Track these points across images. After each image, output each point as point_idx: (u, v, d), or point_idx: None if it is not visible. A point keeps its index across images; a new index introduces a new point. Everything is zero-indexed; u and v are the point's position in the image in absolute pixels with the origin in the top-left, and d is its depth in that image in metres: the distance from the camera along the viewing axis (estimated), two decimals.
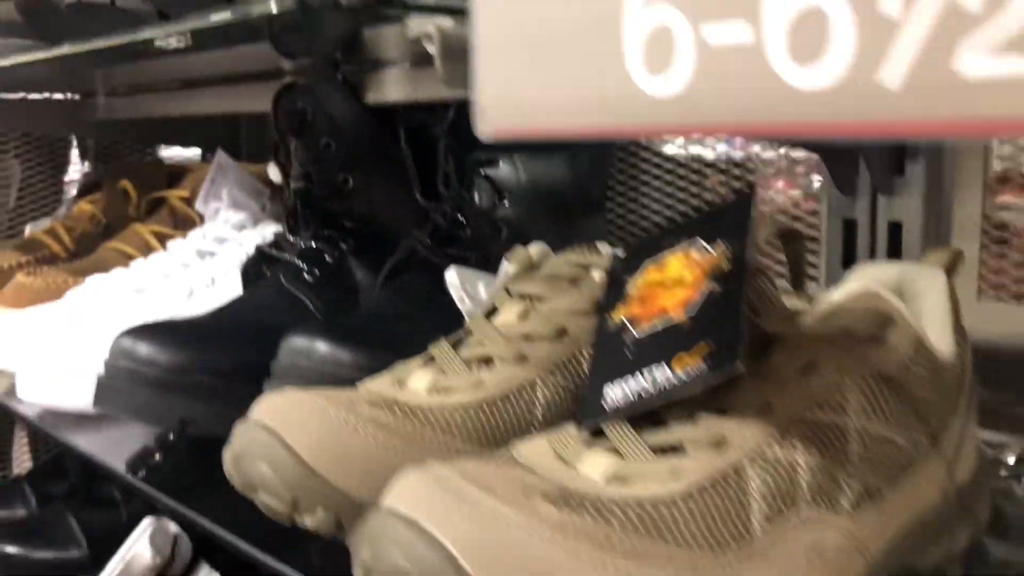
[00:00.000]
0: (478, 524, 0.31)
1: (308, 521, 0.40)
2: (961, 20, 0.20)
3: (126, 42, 0.68)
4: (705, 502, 0.35)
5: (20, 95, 1.12)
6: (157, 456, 0.63)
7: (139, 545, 0.81)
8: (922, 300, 0.49)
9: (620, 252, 0.50)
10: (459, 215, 0.69)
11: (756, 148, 0.86)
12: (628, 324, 0.44)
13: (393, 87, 0.72)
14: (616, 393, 0.41)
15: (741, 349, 0.37)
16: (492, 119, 0.31)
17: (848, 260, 0.69)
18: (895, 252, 0.66)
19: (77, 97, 1.13)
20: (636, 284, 0.46)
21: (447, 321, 0.55)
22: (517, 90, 0.30)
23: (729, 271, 0.41)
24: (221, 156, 0.93)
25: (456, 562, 0.30)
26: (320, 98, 0.75)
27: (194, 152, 1.29)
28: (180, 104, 0.99)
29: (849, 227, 0.69)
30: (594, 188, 0.79)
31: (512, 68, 0.30)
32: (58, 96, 1.14)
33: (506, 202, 0.73)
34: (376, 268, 0.70)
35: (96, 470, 1.05)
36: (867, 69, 0.21)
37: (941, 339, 0.47)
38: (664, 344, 0.41)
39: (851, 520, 0.38)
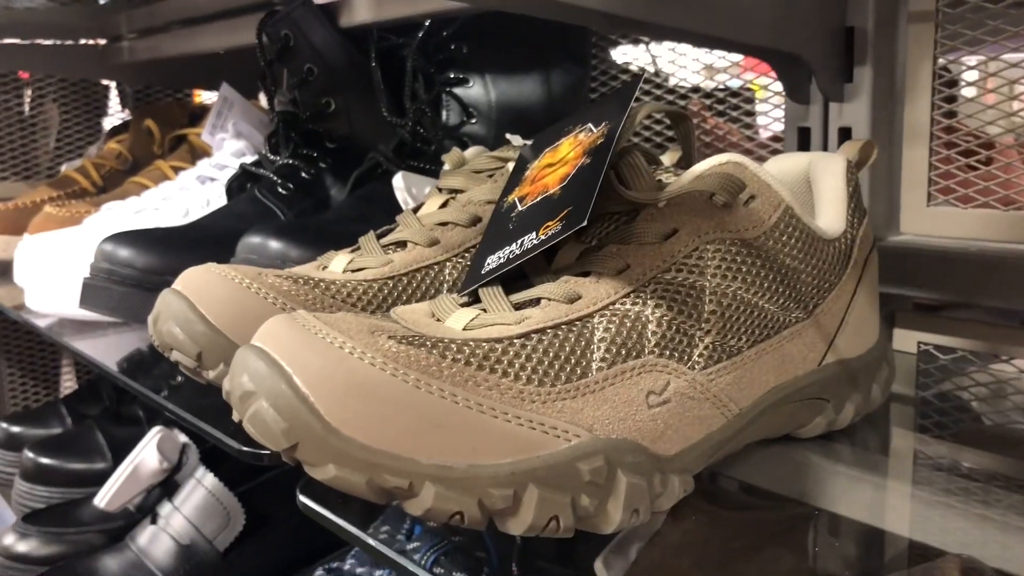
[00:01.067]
0: (317, 353, 0.35)
1: (211, 375, 0.45)
2: None
3: None
4: (542, 343, 0.38)
5: (52, 41, 1.18)
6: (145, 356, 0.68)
7: (147, 451, 0.88)
8: (822, 183, 0.51)
9: (529, 142, 0.53)
10: (421, 130, 0.72)
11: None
12: (517, 202, 0.47)
13: (362, 9, 0.75)
14: (492, 260, 0.44)
15: (590, 208, 0.39)
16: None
17: None
18: None
19: (104, 42, 1.20)
20: (532, 168, 0.48)
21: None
22: None
23: (601, 145, 0.43)
24: (226, 89, 0.98)
25: (292, 382, 0.34)
26: (300, 25, 0.79)
27: None
28: (193, 42, 1.04)
29: (804, 134, 0.70)
30: (568, 108, 0.81)
31: None
32: (87, 41, 1.20)
33: (474, 120, 0.76)
34: (347, 182, 0.74)
35: (125, 392, 1.12)
36: None
37: (834, 219, 0.49)
38: (538, 214, 0.44)
39: (701, 372, 0.41)
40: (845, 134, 0.68)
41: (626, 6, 0.54)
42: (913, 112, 0.67)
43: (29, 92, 1.33)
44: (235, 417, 0.36)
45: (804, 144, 0.70)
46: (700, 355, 0.41)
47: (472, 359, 0.36)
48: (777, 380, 0.45)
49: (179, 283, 0.46)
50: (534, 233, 0.43)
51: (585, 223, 0.39)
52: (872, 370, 0.51)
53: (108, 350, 0.77)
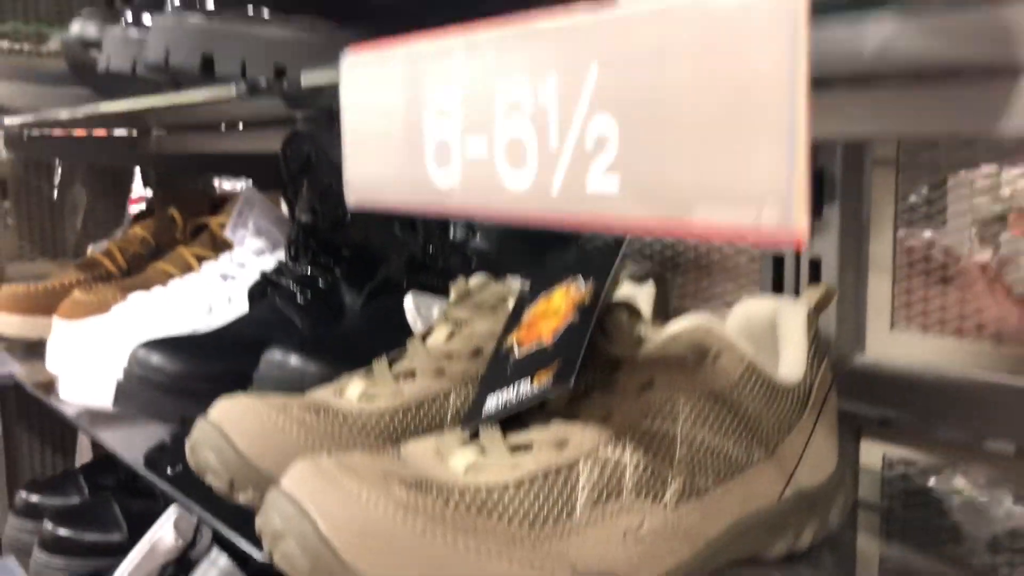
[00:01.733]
0: (338, 500, 0.41)
1: (241, 498, 0.51)
2: (584, 155, 0.29)
3: (169, 103, 0.79)
4: (534, 488, 0.44)
5: (85, 131, 1.26)
6: (168, 450, 0.74)
7: (164, 530, 0.93)
8: (785, 329, 0.57)
9: (526, 284, 0.59)
10: (430, 246, 0.79)
11: None
12: (515, 346, 0.53)
13: None
14: (492, 402, 0.50)
15: (576, 370, 0.46)
16: (353, 192, 0.41)
17: (777, 291, 0.77)
18: (815, 282, 0.74)
19: (135, 133, 1.27)
20: (529, 312, 0.55)
21: (406, 341, 0.65)
22: (366, 174, 0.40)
23: (588, 305, 0.50)
24: (248, 190, 1.05)
25: (317, 526, 0.40)
26: (322, 144, 0.86)
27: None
28: (217, 143, 1.11)
29: (778, 263, 0.77)
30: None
31: (363, 160, 0.40)
32: (119, 132, 1.28)
33: (479, 236, 0.83)
34: (362, 290, 0.81)
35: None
36: (544, 180, 0.30)
37: (795, 364, 0.55)
38: (533, 363, 0.50)
39: (673, 511, 0.47)
40: (815, 264, 0.74)
41: None
42: (877, 244, 0.74)
43: (59, 174, 1.41)
44: (265, 551, 0.42)
45: (779, 272, 0.76)
46: (672, 495, 0.47)
47: (472, 505, 0.42)
48: (741, 513, 0.51)
49: (214, 413, 0.53)
50: (529, 380, 0.49)
51: (571, 385, 0.45)
52: (830, 496, 0.57)
53: (133, 439, 0.83)
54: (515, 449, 0.47)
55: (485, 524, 0.42)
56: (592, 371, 0.50)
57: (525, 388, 0.48)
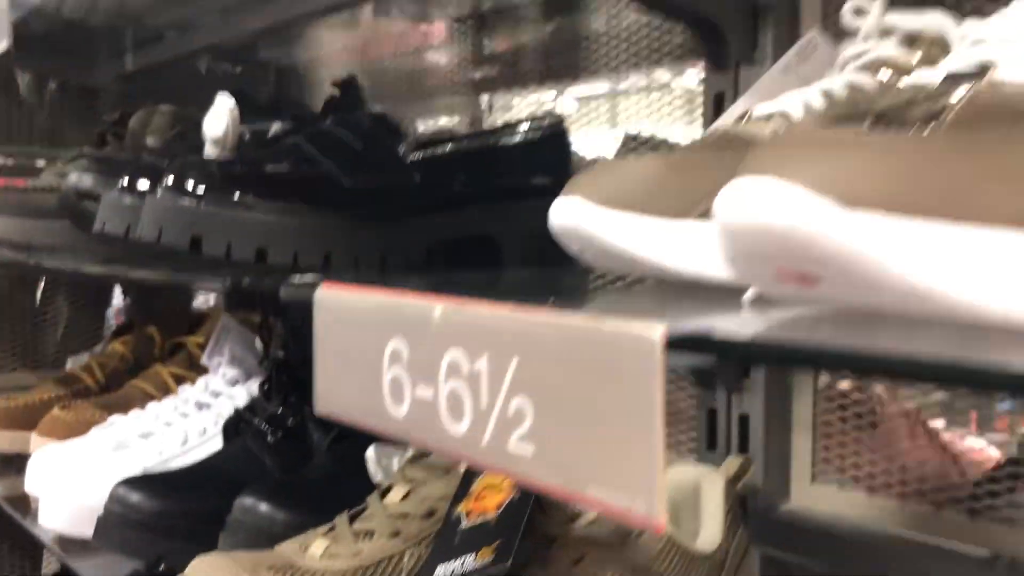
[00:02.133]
0: None
1: None
2: (507, 421, 0.36)
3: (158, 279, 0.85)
4: None
5: None
6: None
7: None
8: (705, 498, 0.64)
9: None
10: None
11: None
12: (463, 516, 0.60)
13: None
14: (440, 572, 0.56)
15: (514, 550, 0.52)
16: (321, 401, 0.48)
17: (712, 442, 0.84)
18: (744, 437, 0.81)
19: None
20: (478, 483, 0.62)
21: (369, 491, 0.71)
22: (333, 388, 0.47)
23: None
24: (225, 318, 1.12)
25: None
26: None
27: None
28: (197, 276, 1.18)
29: (711, 416, 0.84)
30: None
31: (331, 375, 0.47)
32: None
33: None
34: (329, 431, 0.87)
35: None
36: (476, 433, 0.38)
37: (713, 532, 0.62)
38: (478, 537, 0.57)
39: None
40: (744, 419, 0.82)
41: None
42: (800, 402, 0.81)
43: (41, 286, 1.47)
44: None
45: (712, 428, 0.83)
46: None
47: None
48: None
49: (190, 572, 0.59)
50: (474, 555, 0.55)
51: (508, 564, 0.52)
52: None
53: (104, 569, 0.88)
54: None
55: None
56: (530, 541, 0.57)
57: (470, 562, 0.55)
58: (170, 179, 0.72)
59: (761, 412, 0.81)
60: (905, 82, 0.39)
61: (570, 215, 0.48)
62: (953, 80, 0.36)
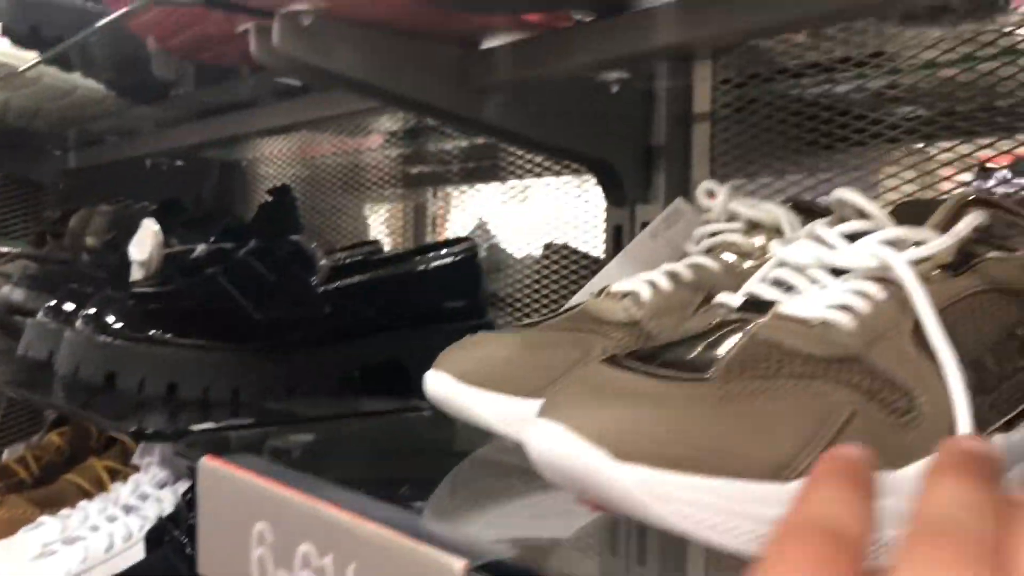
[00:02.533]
0: None
1: None
2: None
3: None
4: None
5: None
6: None
7: None
8: None
9: None
10: None
11: None
12: None
13: None
14: None
15: None
16: (204, 566, 0.51)
17: None
18: None
19: None
20: None
21: None
22: (214, 557, 0.50)
23: None
24: None
25: None
26: None
27: None
28: None
29: None
30: None
31: (211, 542, 0.50)
32: None
33: None
34: None
35: None
36: None
37: None
38: None
39: None
40: None
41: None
42: None
43: None
44: None
45: None
46: None
47: None
48: None
49: None
50: None
51: None
52: None
53: None
54: None
55: None
56: None
57: None
58: (90, 312, 0.75)
59: None
60: (715, 301, 0.44)
61: (436, 389, 0.52)
62: (750, 307, 0.41)
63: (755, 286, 0.42)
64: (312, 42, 0.62)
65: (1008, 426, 0.39)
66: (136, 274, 0.90)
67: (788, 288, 0.41)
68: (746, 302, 0.42)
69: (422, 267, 0.87)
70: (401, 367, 0.82)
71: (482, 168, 1.11)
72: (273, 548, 0.45)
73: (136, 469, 1.15)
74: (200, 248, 0.93)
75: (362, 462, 0.57)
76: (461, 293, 0.88)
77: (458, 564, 0.34)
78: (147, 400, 0.72)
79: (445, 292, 0.88)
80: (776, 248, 0.45)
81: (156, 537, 0.94)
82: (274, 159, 1.43)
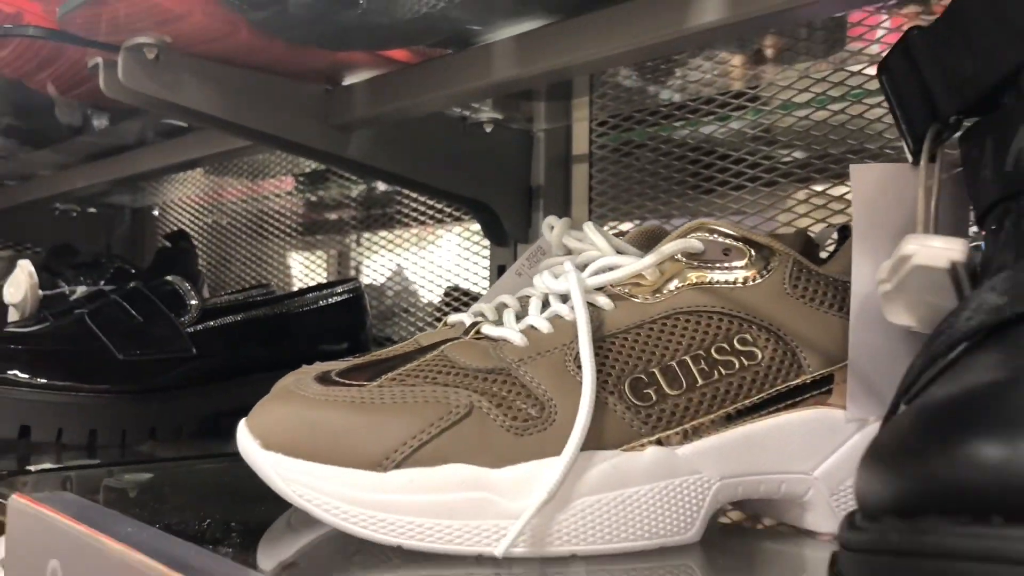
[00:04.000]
0: None
1: None
2: None
3: None
4: None
5: None
6: None
7: None
8: None
9: None
10: None
11: None
12: None
13: None
14: None
15: None
16: None
17: None
18: None
19: None
20: None
21: None
22: None
23: None
24: None
25: None
26: None
27: None
28: None
29: None
30: None
31: None
32: None
33: None
34: None
35: None
36: None
37: None
38: None
39: None
40: None
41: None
42: None
43: None
44: None
45: None
46: None
47: None
48: None
49: None
50: None
51: None
52: None
53: None
54: None
55: None
56: None
57: None
58: None
59: None
60: (448, 320, 0.46)
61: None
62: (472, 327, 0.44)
63: (482, 307, 0.45)
64: (160, 76, 0.62)
65: (663, 441, 0.41)
66: (12, 316, 0.88)
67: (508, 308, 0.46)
68: (474, 322, 0.44)
69: (300, 308, 0.86)
70: None
71: (387, 214, 1.11)
72: None
73: None
74: (80, 290, 0.91)
75: (197, 504, 0.56)
76: (343, 335, 0.87)
77: None
78: None
79: (325, 333, 0.86)
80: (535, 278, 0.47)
81: None
82: (186, 206, 1.42)
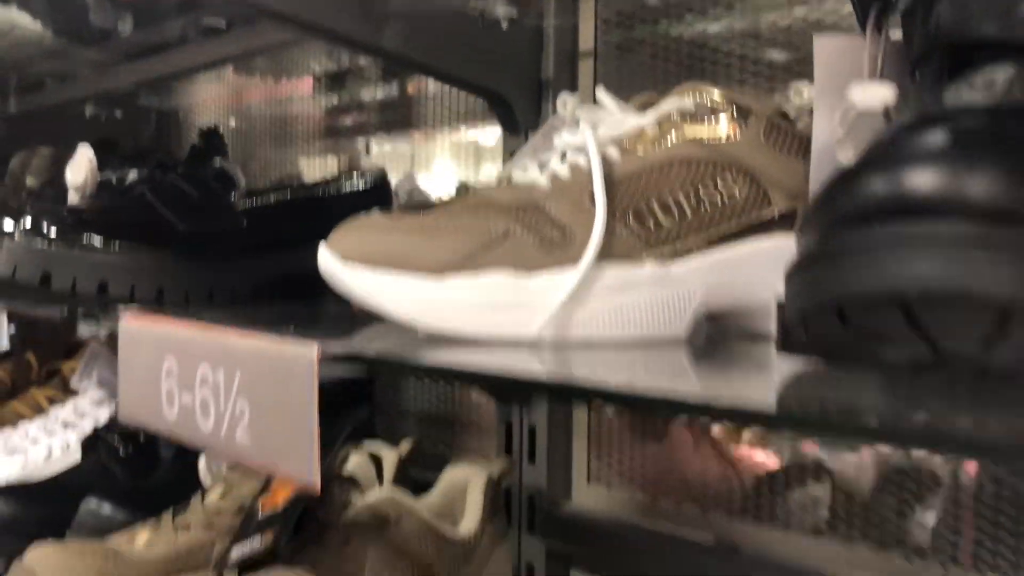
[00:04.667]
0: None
1: None
2: (234, 418, 0.49)
3: None
4: None
5: None
6: None
7: None
8: (469, 491, 0.78)
9: None
10: None
11: None
12: (260, 508, 0.72)
13: None
14: (236, 552, 0.69)
15: (288, 535, 0.65)
16: (123, 410, 0.60)
17: (508, 448, 0.98)
18: (533, 445, 0.95)
19: None
20: (276, 480, 0.74)
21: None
22: (130, 399, 0.59)
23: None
24: (95, 345, 1.22)
25: None
26: None
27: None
28: None
29: (508, 427, 0.98)
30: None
31: (129, 388, 0.59)
32: None
33: None
34: (174, 446, 0.98)
35: None
36: (218, 427, 0.50)
37: (471, 520, 0.76)
38: (267, 523, 0.69)
39: None
40: (532, 430, 0.95)
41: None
42: (578, 416, 0.96)
43: None
44: None
45: (508, 437, 0.97)
46: None
47: None
48: None
49: (28, 557, 0.70)
50: (260, 538, 0.68)
51: (280, 548, 0.65)
52: None
53: None
54: None
55: None
56: (311, 528, 0.70)
57: (256, 543, 0.67)
58: (27, 223, 0.83)
59: (545, 424, 0.95)
60: (507, 169, 0.56)
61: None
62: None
63: (524, 159, 0.55)
64: None
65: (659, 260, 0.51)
66: (72, 198, 0.98)
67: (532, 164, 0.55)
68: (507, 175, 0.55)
69: (335, 191, 0.95)
70: (313, 278, 0.91)
71: (403, 117, 1.20)
72: (179, 378, 0.54)
73: (75, 395, 1.23)
74: (132, 174, 1.01)
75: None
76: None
77: (312, 350, 0.43)
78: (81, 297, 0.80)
79: (357, 212, 0.96)
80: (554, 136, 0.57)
81: (91, 443, 1.02)
82: (207, 108, 1.50)
